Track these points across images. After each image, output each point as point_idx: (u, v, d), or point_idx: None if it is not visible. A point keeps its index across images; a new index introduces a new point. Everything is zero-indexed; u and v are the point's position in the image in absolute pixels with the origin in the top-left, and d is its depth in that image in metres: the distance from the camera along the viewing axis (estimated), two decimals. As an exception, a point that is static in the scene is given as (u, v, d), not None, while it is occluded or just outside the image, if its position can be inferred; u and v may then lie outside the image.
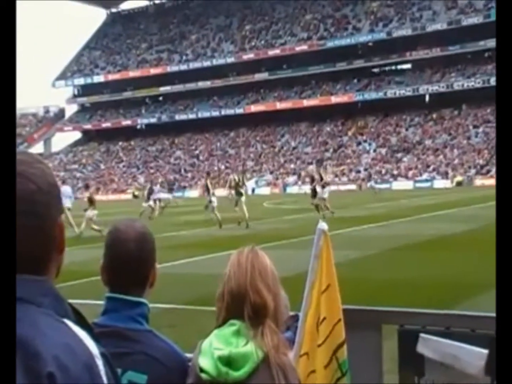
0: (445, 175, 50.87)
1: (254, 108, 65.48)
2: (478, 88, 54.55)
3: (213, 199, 20.88)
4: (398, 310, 3.14)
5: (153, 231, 1.96)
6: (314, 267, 2.68)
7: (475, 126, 55.01)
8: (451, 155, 53.19)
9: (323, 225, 2.66)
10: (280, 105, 64.50)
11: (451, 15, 57.72)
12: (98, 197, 30.59)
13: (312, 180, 24.06)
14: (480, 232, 15.81)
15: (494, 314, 2.02)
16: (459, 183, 48.25)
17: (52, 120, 78.53)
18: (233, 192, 22.32)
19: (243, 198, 20.81)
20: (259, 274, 1.90)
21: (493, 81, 53.32)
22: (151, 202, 26.96)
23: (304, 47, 64.48)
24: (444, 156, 53.46)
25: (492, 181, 45.30)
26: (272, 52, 65.51)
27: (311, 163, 55.81)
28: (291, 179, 55.95)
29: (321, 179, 23.36)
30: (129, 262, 1.87)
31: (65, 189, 19.87)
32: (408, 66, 62.82)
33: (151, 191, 27.54)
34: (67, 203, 17.81)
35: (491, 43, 53.83)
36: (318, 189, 22.62)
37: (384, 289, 9.08)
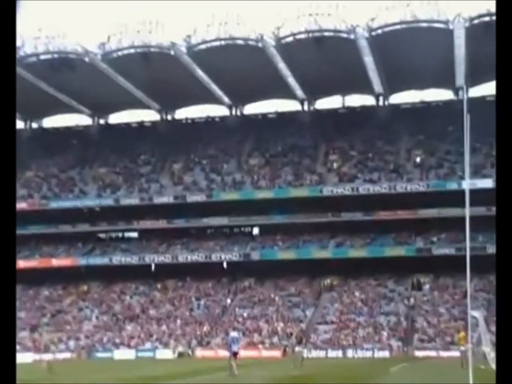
0: (167, 345, 54.77)
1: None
2: (201, 262, 62.08)
3: None
4: None
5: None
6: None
7: (197, 298, 61.49)
8: (174, 326, 57.98)
9: None
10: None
11: (177, 190, 66.06)
12: None
13: None
14: None
15: None
16: (180, 354, 52.37)
17: None
18: None
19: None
20: None
21: (214, 257, 62.37)
22: None
23: (23, 205, 63.18)
24: (167, 326, 57.93)
25: (211, 353, 51.59)
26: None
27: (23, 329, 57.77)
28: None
29: None
30: None
31: None
32: (135, 234, 68.23)
33: None
34: None
35: (214, 221, 63.83)
36: None
37: None
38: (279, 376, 28.07)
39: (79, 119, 76.30)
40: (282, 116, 71.34)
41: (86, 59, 63.38)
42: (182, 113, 74.86)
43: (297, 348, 38.92)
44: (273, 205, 62.16)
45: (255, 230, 65.87)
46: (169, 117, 74.89)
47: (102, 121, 76.45)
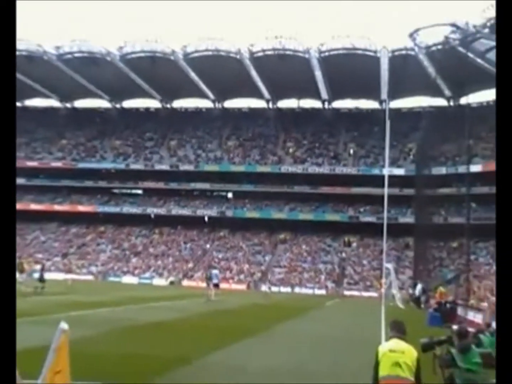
0: (162, 276, 54.48)
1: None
2: (189, 216, 61.49)
3: None
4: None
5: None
6: (52, 356, 2.70)
7: (185, 242, 60.79)
8: (167, 261, 57.49)
9: (63, 325, 2.57)
10: (33, 206, 63.74)
11: (172, 161, 64.87)
12: None
13: None
14: (185, 320, 16.80)
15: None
16: (171, 283, 51.98)
17: None
18: None
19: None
20: None
21: (199, 212, 61.71)
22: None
23: (58, 164, 65.75)
24: (162, 261, 57.50)
25: (194, 283, 51.27)
26: (30, 163, 65.22)
27: (57, 255, 57.15)
28: (37, 266, 55.38)
29: None
30: None
31: None
32: (140, 191, 67.06)
33: None
34: None
35: (199, 186, 63.33)
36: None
37: (116, 363, 8.78)
38: (244, 303, 28.24)
39: (101, 103, 74.32)
40: (253, 111, 70.33)
41: (108, 58, 61.74)
42: (178, 103, 73.40)
43: (264, 287, 39.24)
44: (244, 176, 61.59)
45: (230, 195, 65.15)
46: (168, 106, 73.26)
47: (118, 106, 74.56)
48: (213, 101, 71.25)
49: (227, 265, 55.95)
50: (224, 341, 12.60)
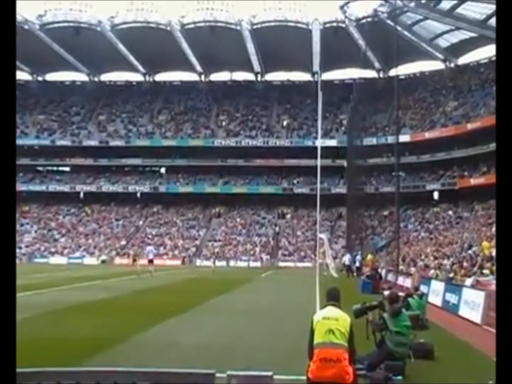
0: (93, 254, 53.32)
1: None
2: (120, 192, 60.38)
3: None
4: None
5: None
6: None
7: (116, 219, 59.63)
8: (98, 239, 56.33)
9: None
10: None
11: (102, 136, 63.19)
12: None
13: None
14: (114, 300, 16.36)
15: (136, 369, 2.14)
16: (103, 261, 50.91)
17: None
18: None
19: None
20: None
21: (131, 188, 60.56)
22: None
23: None
24: (93, 240, 56.39)
25: (126, 261, 50.12)
26: None
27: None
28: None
29: None
30: None
31: None
32: (67, 169, 64.90)
33: None
34: None
35: (130, 161, 61.69)
36: None
37: (44, 348, 8.39)
38: (178, 279, 27.99)
39: (21, 75, 69.81)
40: (185, 84, 68.88)
41: (26, 27, 57.79)
42: (107, 77, 70.72)
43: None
44: (176, 151, 60.69)
45: (162, 170, 64.19)
46: (95, 79, 70.50)
47: (40, 78, 70.72)
48: (144, 75, 69.38)
49: (161, 241, 55.28)
50: (157, 318, 12.33)
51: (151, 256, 30.31)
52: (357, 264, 34.89)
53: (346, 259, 36.01)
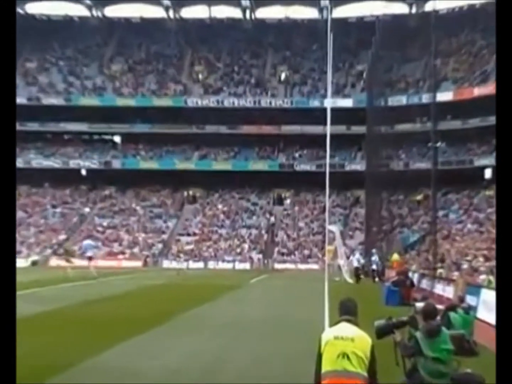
0: (19, 254, 51.80)
1: None
2: (58, 169, 60.33)
3: None
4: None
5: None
6: None
7: (53, 206, 59.76)
8: (27, 233, 56.05)
9: None
10: None
11: (31, 91, 62.78)
12: None
13: None
14: (53, 314, 16.63)
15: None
16: (34, 263, 50.93)
17: None
18: None
19: None
20: None
21: (72, 163, 60.56)
22: None
23: None
24: (19, 234, 55.26)
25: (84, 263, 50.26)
26: None
27: None
28: None
29: None
30: None
31: None
32: None
33: None
34: None
35: (71, 126, 61.60)
36: None
37: None
38: (138, 286, 28.11)
39: None
40: (146, 22, 68.70)
41: None
42: (36, 9, 69.88)
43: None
44: (135, 113, 60.70)
45: (117, 138, 64.27)
46: (21, 11, 69.69)
47: None
48: (89, 7, 68.88)
49: (114, 235, 55.40)
50: (112, 337, 12.54)
51: (89, 253, 30.57)
52: (374, 266, 35.29)
53: (354, 259, 36.43)
